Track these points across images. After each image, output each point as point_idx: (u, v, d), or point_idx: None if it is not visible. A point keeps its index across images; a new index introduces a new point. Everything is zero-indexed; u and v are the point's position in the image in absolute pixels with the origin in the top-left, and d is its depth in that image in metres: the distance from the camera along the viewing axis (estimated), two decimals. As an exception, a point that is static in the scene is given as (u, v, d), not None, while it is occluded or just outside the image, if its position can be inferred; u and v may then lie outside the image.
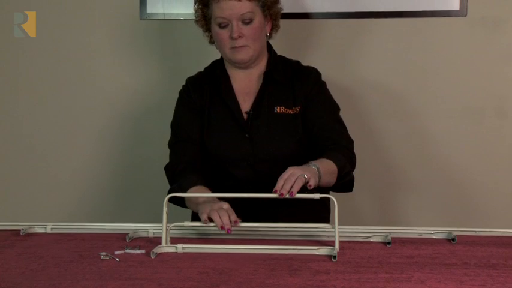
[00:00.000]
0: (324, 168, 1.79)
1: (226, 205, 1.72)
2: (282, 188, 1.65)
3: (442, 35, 2.49)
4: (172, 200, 1.87)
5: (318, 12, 2.50)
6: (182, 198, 1.89)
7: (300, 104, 2.00)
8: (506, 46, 2.48)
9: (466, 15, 2.46)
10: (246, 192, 1.90)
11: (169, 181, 2.01)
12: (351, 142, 2.02)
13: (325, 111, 2.01)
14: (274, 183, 1.76)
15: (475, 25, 2.47)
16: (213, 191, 2.00)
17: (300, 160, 1.98)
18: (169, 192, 1.91)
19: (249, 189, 1.91)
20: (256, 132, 1.97)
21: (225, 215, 1.67)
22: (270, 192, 1.69)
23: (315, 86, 2.03)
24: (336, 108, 2.06)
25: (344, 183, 1.94)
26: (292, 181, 1.65)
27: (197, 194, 1.84)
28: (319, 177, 1.75)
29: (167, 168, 2.03)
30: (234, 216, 1.68)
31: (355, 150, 2.02)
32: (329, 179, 1.83)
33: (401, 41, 2.52)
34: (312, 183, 1.69)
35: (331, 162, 1.85)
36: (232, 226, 1.66)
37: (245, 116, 1.99)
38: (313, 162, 1.79)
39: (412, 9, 2.48)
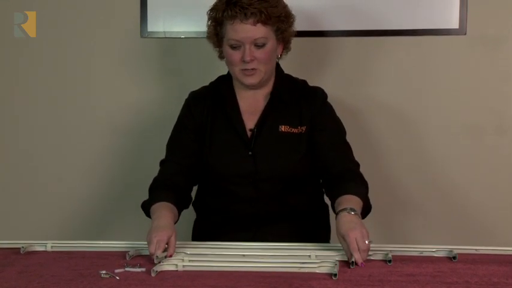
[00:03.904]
0: (355, 205, 1.78)
1: (165, 236, 1.67)
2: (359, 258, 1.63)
3: (441, 53, 2.50)
4: (146, 214, 1.93)
5: (316, 30, 2.51)
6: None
7: (306, 124, 1.99)
8: (505, 64, 2.49)
9: (465, 34, 2.47)
10: (247, 208, 1.91)
11: (148, 192, 2.00)
12: (358, 165, 2.01)
13: (334, 133, 2.01)
14: (275, 201, 1.79)
15: (475, 43, 2.48)
16: (214, 208, 2.01)
17: (301, 179, 1.99)
18: (141, 205, 1.94)
19: (251, 207, 1.92)
20: (259, 150, 1.97)
21: (160, 249, 1.65)
22: (270, 208, 1.78)
23: (323, 107, 2.02)
24: (343, 131, 2.05)
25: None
26: (366, 249, 1.64)
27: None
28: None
29: (153, 180, 2.01)
30: (171, 251, 1.66)
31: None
32: (362, 211, 1.84)
33: (400, 59, 2.53)
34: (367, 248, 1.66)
35: (359, 200, 1.83)
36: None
37: (249, 133, 1.99)
38: (354, 207, 1.75)
39: (412, 27, 2.49)
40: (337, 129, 2.04)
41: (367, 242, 1.64)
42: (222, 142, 1.99)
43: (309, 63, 2.53)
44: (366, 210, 1.87)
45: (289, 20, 1.99)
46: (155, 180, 2.00)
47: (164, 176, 2.00)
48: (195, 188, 2.11)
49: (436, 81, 2.52)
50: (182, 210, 1.95)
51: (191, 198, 2.03)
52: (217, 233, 1.94)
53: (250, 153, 1.96)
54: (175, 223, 1.83)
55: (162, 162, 2.04)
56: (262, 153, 1.96)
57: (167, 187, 1.94)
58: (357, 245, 1.63)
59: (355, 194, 1.83)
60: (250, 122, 2.00)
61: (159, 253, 1.64)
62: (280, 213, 1.95)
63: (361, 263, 1.62)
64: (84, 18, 2.62)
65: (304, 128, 1.99)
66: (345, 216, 1.71)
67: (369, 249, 1.65)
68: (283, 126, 1.98)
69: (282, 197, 1.96)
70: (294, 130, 1.98)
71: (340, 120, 2.07)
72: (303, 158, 1.98)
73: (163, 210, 1.82)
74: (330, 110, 2.05)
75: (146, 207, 1.92)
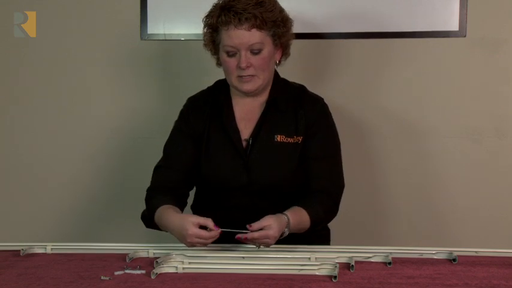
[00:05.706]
0: (294, 222, 1.79)
1: (193, 232, 1.68)
2: (251, 233, 1.69)
3: (441, 56, 2.50)
4: (147, 225, 1.92)
5: (315, 32, 2.51)
6: (153, 222, 1.87)
7: (302, 134, 1.95)
8: (505, 66, 2.49)
9: (465, 36, 2.47)
10: (242, 218, 1.89)
11: (145, 204, 1.97)
12: (341, 188, 1.99)
13: (324, 151, 1.97)
14: (269, 211, 1.78)
15: (474, 45, 2.48)
16: (209, 215, 1.98)
17: (295, 188, 1.96)
18: (141, 217, 1.93)
19: (245, 216, 1.89)
20: (253, 160, 1.93)
21: (203, 242, 1.68)
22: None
23: (319, 118, 1.97)
24: (336, 147, 2.00)
25: (320, 236, 1.97)
26: (266, 236, 1.69)
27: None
28: (283, 233, 1.76)
29: (146, 191, 1.99)
30: (213, 232, 1.68)
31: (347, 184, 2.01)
32: (297, 231, 1.84)
33: (399, 61, 2.53)
34: (264, 245, 1.72)
35: (308, 217, 1.84)
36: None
37: (244, 143, 1.95)
38: (289, 215, 1.79)
39: (412, 29, 2.49)
40: (328, 141, 1.99)
41: (270, 241, 1.70)
42: (217, 152, 1.96)
43: (307, 65, 2.53)
44: (317, 234, 1.92)
45: (286, 24, 1.95)
46: (150, 189, 1.97)
47: (160, 183, 1.96)
48: (192, 191, 2.10)
49: (436, 83, 2.52)
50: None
51: (186, 203, 2.01)
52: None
53: (244, 164, 1.93)
54: None
55: (157, 168, 2.00)
56: (256, 164, 1.93)
57: (165, 193, 1.91)
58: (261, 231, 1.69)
59: (309, 212, 1.84)
60: (246, 130, 1.97)
61: (210, 233, 1.67)
62: None
63: (244, 237, 1.69)
64: (84, 19, 2.62)
65: (300, 139, 1.95)
66: (278, 215, 1.76)
67: (263, 244, 1.71)
68: (278, 136, 1.94)
69: (276, 206, 1.88)
70: (290, 140, 1.94)
71: (336, 132, 2.02)
72: (298, 168, 1.95)
73: (172, 210, 1.80)
74: (326, 121, 2.00)
75: (148, 216, 1.88)
